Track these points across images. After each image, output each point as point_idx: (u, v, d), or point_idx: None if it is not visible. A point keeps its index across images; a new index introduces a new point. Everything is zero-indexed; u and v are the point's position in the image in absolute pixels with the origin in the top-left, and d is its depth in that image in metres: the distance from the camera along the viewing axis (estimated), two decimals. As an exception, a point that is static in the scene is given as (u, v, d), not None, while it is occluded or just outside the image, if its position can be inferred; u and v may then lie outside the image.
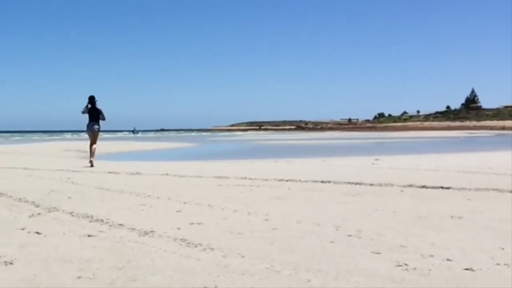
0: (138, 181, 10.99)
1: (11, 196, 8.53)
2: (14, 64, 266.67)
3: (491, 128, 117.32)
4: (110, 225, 6.00)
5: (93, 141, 16.21)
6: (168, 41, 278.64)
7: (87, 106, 16.19)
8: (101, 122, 16.60)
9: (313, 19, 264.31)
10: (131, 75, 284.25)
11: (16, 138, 71.53)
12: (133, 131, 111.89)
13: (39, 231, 5.70)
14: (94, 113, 16.22)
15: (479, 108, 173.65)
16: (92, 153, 15.97)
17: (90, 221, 6.27)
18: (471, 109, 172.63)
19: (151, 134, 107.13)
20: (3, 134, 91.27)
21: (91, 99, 16.18)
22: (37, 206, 7.51)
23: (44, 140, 57.83)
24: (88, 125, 16.36)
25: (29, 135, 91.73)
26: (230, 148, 40.77)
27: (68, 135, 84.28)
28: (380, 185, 9.68)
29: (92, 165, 15.40)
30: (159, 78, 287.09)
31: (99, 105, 16.30)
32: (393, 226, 5.82)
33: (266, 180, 10.81)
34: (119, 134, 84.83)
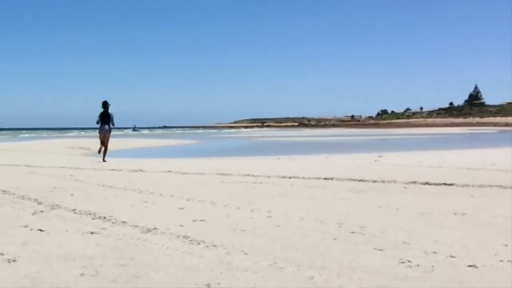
0: (141, 178, 11.00)
1: (14, 194, 8.54)
2: (21, 63, 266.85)
3: (495, 124, 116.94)
4: (113, 222, 6.01)
5: (103, 141, 17.42)
6: (171, 38, 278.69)
7: (100, 114, 17.55)
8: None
9: (316, 16, 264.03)
10: (133, 72, 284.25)
11: (25, 135, 71.30)
12: (133, 129, 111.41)
13: (42, 229, 5.71)
14: (106, 117, 17.53)
15: (482, 104, 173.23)
16: (102, 151, 17.32)
17: (93, 218, 6.28)
18: (474, 105, 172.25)
19: (154, 131, 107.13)
20: (9, 132, 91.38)
21: (104, 104, 17.53)
22: (40, 203, 7.52)
23: (51, 137, 57.82)
24: (100, 127, 17.60)
25: (37, 132, 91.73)
26: (232, 145, 40.78)
27: (75, 133, 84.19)
28: (383, 182, 9.67)
29: (104, 160, 16.81)
30: (161, 75, 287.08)
31: (111, 109, 17.65)
32: (396, 223, 5.81)
33: (269, 177, 10.80)
34: (120, 132, 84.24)
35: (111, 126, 17.62)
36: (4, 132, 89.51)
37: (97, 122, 17.55)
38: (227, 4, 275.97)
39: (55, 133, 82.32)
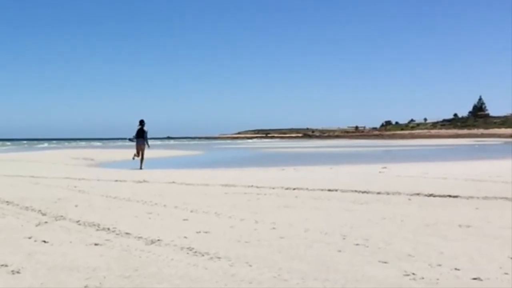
0: (145, 189, 11.00)
1: (18, 205, 8.55)
2: (28, 67, 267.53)
3: (499, 136, 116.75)
4: (117, 234, 6.01)
5: (139, 152, 21.18)
6: (173, 47, 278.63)
7: (137, 130, 21.39)
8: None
9: (320, 27, 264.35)
10: (136, 82, 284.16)
11: (39, 146, 70.69)
12: (130, 139, 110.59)
13: (46, 240, 5.72)
14: (142, 132, 21.41)
15: (487, 115, 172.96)
16: (141, 159, 20.97)
17: (97, 230, 6.28)
18: (478, 116, 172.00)
19: (158, 142, 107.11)
20: (25, 142, 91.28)
21: (141, 122, 21.48)
22: (44, 214, 7.53)
23: (59, 148, 57.82)
24: (137, 141, 21.47)
25: (56, 142, 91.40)
26: (236, 156, 40.77)
27: (88, 143, 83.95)
28: (388, 193, 9.65)
29: (141, 168, 20.11)
30: (165, 85, 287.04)
31: (146, 127, 21.56)
32: (401, 235, 5.79)
33: (273, 188, 10.80)
34: (119, 143, 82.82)
35: (146, 140, 21.43)
36: (18, 142, 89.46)
37: (133, 138, 21.51)
38: (230, 15, 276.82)
39: (73, 144, 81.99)
